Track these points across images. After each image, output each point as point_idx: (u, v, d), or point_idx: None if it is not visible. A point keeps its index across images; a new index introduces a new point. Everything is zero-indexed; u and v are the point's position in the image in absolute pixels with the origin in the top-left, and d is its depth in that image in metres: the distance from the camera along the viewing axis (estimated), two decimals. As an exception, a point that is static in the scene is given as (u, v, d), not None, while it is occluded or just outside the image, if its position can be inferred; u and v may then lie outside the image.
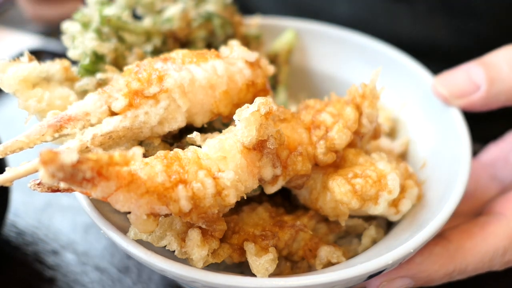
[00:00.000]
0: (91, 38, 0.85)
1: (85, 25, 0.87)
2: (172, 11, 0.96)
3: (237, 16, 1.04)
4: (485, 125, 1.15)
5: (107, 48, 0.85)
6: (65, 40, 0.88)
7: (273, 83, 1.08)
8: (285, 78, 1.10)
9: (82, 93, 0.80)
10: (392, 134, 1.03)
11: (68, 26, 0.88)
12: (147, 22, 0.96)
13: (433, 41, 1.26)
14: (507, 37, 1.19)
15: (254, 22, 1.09)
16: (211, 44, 1.00)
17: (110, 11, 0.88)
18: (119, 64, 0.86)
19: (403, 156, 0.98)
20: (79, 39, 0.85)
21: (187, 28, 0.96)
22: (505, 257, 0.79)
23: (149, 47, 0.92)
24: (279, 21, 1.13)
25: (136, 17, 0.97)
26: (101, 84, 0.81)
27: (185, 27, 0.96)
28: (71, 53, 0.85)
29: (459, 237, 0.79)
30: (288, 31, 1.12)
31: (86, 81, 0.80)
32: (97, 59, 0.84)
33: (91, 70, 0.82)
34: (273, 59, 1.11)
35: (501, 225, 0.80)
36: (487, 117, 1.00)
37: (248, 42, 1.05)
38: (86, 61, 0.83)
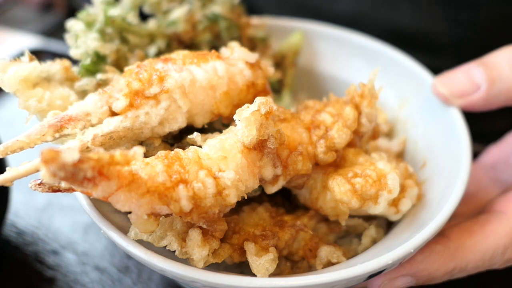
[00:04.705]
0: (94, 38, 0.85)
1: (89, 25, 0.87)
2: (177, 13, 0.96)
3: (244, 17, 1.03)
4: (485, 124, 1.15)
5: (109, 49, 0.85)
6: (68, 38, 0.88)
7: (279, 87, 1.07)
8: (291, 81, 1.09)
9: (82, 93, 0.80)
10: (391, 134, 1.03)
11: (72, 25, 0.88)
12: (152, 25, 0.96)
13: (432, 33, 1.27)
14: (503, 27, 1.20)
15: (261, 24, 1.07)
16: (216, 47, 0.98)
17: (115, 11, 0.88)
18: (120, 65, 0.86)
19: (400, 155, 0.98)
20: (82, 39, 0.85)
21: (192, 31, 0.96)
22: (505, 255, 0.80)
23: (153, 50, 0.91)
24: (279, 21, 1.13)
25: (143, 16, 0.96)
26: (101, 84, 0.81)
27: (190, 30, 0.95)
28: (73, 52, 0.85)
29: (459, 235, 0.80)
30: (295, 33, 1.11)
31: (86, 81, 0.80)
32: (99, 60, 0.84)
33: (92, 70, 0.82)
34: (279, 62, 1.10)
35: (501, 224, 0.80)
36: (487, 116, 1.00)
37: (254, 44, 1.04)
38: (88, 61, 0.83)
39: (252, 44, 1.04)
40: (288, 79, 1.09)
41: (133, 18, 0.92)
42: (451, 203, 0.75)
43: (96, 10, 0.89)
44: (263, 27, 1.08)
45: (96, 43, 0.84)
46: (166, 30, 0.95)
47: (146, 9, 0.97)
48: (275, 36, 1.11)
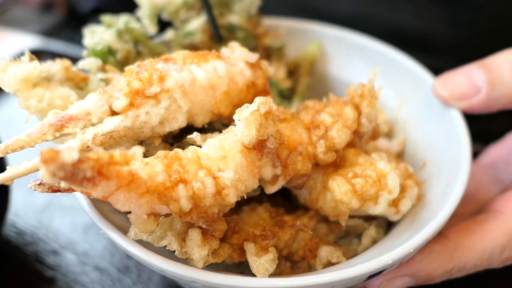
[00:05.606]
0: (110, 34, 0.87)
1: (109, 26, 0.89)
2: (195, 24, 0.96)
3: (261, 27, 1.03)
4: (485, 124, 1.15)
5: (122, 46, 0.86)
6: (86, 31, 0.89)
7: (290, 94, 1.07)
8: (304, 89, 1.08)
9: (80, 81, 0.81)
10: (391, 134, 1.03)
11: (92, 26, 0.91)
12: (169, 35, 0.97)
13: (432, 33, 1.27)
14: (503, 28, 1.21)
15: (276, 33, 1.07)
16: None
17: (136, 25, 0.91)
18: (129, 63, 0.87)
19: (400, 155, 0.98)
20: (99, 35, 0.87)
21: (209, 42, 0.96)
22: (503, 254, 0.80)
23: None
24: (277, 21, 1.13)
25: (162, 23, 0.97)
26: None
27: (207, 40, 0.95)
28: (87, 41, 0.86)
29: (458, 234, 0.80)
30: (313, 43, 1.11)
31: (91, 61, 0.81)
32: (109, 52, 0.85)
33: (99, 57, 0.83)
34: (293, 70, 1.09)
35: (500, 223, 0.80)
36: (488, 116, 1.00)
37: (269, 53, 1.04)
38: (99, 47, 0.84)
39: (267, 53, 1.03)
40: (301, 87, 1.08)
41: (151, 26, 0.93)
42: (451, 203, 0.75)
43: (118, 22, 0.92)
44: (278, 36, 1.07)
45: (112, 38, 0.86)
46: (183, 40, 0.96)
47: (165, 17, 0.98)
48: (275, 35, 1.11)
